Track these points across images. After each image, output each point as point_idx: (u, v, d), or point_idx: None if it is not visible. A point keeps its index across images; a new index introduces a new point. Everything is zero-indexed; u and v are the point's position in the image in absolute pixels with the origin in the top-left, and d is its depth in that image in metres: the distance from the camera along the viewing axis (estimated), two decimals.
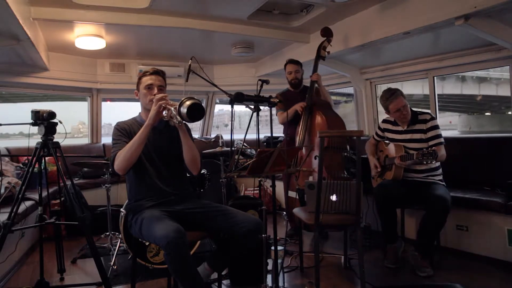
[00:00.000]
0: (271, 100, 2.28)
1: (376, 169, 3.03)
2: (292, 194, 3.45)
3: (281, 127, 3.85)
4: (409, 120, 2.87)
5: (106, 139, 5.10)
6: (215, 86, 2.68)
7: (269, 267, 2.37)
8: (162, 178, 2.04)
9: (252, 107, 2.27)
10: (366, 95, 4.43)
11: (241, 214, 1.97)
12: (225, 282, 2.57)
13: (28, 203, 3.05)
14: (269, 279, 2.39)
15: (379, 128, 3.14)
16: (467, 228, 2.94)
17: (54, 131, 2.31)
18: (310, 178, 3.23)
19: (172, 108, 1.78)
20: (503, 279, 2.56)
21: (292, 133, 3.52)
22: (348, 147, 3.23)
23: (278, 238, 2.61)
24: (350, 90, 4.74)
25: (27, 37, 2.82)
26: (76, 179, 4.27)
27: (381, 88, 4.27)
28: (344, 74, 4.38)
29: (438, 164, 2.84)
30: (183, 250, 1.68)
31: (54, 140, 2.32)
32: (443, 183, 2.82)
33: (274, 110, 3.55)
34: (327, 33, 3.42)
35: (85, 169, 4.34)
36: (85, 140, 5.28)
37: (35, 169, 2.33)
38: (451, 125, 10.79)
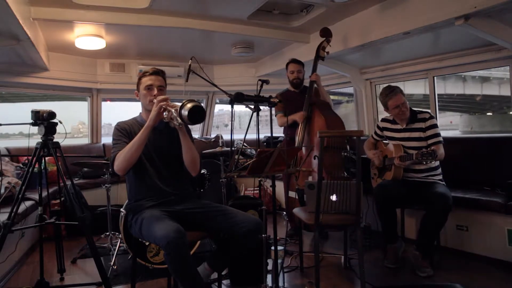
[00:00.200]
0: (271, 100, 2.28)
1: (377, 155, 3.01)
2: (292, 194, 3.45)
3: (281, 127, 3.85)
4: (408, 119, 2.87)
5: (106, 139, 5.10)
6: (215, 86, 2.68)
7: (269, 267, 2.37)
8: (162, 178, 2.04)
9: (252, 107, 2.27)
10: (366, 95, 4.43)
11: (241, 214, 1.97)
12: (225, 282, 2.57)
13: (28, 203, 3.05)
14: (269, 279, 2.38)
15: (378, 127, 3.13)
16: (467, 228, 2.94)
17: (54, 131, 2.31)
18: (310, 178, 3.24)
19: (173, 110, 1.78)
20: (503, 279, 2.56)
21: (292, 133, 3.52)
22: (348, 147, 3.23)
23: (278, 238, 2.61)
24: (352, 90, 4.74)
25: (27, 37, 2.82)
26: (76, 179, 4.27)
27: (381, 88, 4.27)
28: (344, 74, 4.38)
29: (437, 163, 2.84)
30: (183, 250, 1.68)
31: (54, 140, 2.32)
32: (443, 183, 2.82)
33: (273, 111, 3.56)
34: (326, 34, 3.42)
35: (85, 169, 4.34)
36: (85, 140, 5.28)
37: (35, 169, 2.33)
38: (452, 125, 10.77)
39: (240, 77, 5.28)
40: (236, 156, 2.18)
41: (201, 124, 5.89)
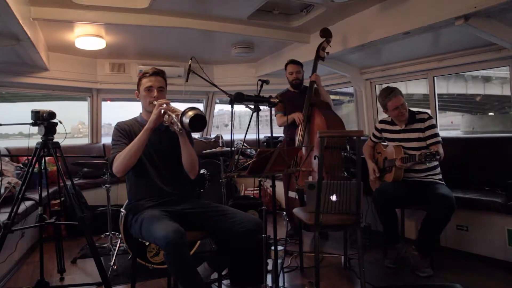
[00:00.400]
0: (271, 100, 2.28)
1: (374, 174, 3.03)
2: (292, 194, 3.45)
3: (281, 127, 3.85)
4: (407, 119, 2.87)
5: (106, 139, 5.10)
6: (215, 86, 2.68)
7: (269, 267, 2.37)
8: (162, 178, 2.04)
9: (252, 107, 2.27)
10: (366, 95, 4.43)
11: (241, 214, 1.97)
12: (225, 282, 2.57)
13: (28, 203, 3.05)
14: (269, 279, 2.39)
15: (376, 129, 3.13)
16: (467, 228, 2.94)
17: (54, 131, 2.31)
18: (310, 178, 3.24)
19: (174, 115, 1.77)
20: (503, 279, 2.56)
21: (292, 134, 3.52)
22: (348, 147, 3.23)
23: (278, 238, 2.61)
24: (353, 89, 4.74)
25: (27, 37, 2.82)
26: (76, 179, 4.27)
27: (381, 88, 4.27)
28: (344, 74, 4.38)
29: (436, 163, 2.83)
30: (182, 250, 1.68)
31: (54, 140, 2.32)
32: (443, 182, 2.82)
33: (273, 111, 3.56)
34: (326, 34, 3.42)
35: (85, 169, 4.34)
36: (85, 140, 5.28)
37: (35, 169, 2.33)
38: (453, 125, 10.75)
39: (240, 77, 5.28)
40: (236, 156, 2.18)
41: None
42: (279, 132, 4.62)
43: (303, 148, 3.41)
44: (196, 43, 4.13)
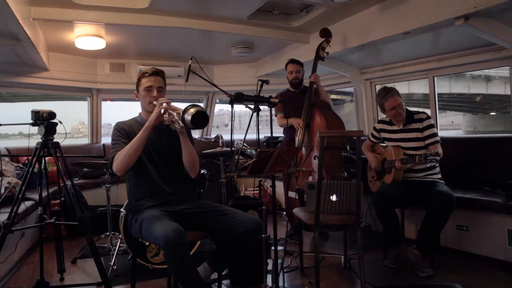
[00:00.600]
0: (271, 100, 2.28)
1: (377, 160, 3.00)
2: (292, 194, 3.45)
3: (281, 128, 3.85)
4: (405, 119, 2.88)
5: (106, 139, 5.10)
6: (215, 86, 2.68)
7: (269, 267, 2.37)
8: (162, 178, 2.04)
9: (252, 107, 2.27)
10: (366, 95, 4.43)
11: (241, 214, 1.97)
12: (225, 282, 2.57)
13: (28, 203, 3.05)
14: (269, 279, 2.39)
15: (375, 129, 3.13)
16: (467, 228, 2.94)
17: (54, 131, 2.31)
18: (310, 178, 3.24)
19: (175, 114, 1.78)
20: (503, 279, 2.56)
21: (292, 134, 3.52)
22: (348, 147, 3.23)
23: (278, 238, 2.61)
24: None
25: (27, 37, 2.82)
26: (76, 179, 4.27)
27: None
28: (344, 74, 4.38)
29: (437, 163, 2.83)
30: (182, 250, 1.68)
31: (54, 140, 2.32)
32: (442, 181, 2.82)
33: (273, 111, 3.56)
34: (326, 34, 3.42)
35: (85, 169, 4.34)
36: (85, 140, 5.28)
37: (35, 169, 2.33)
38: (454, 125, 10.71)
39: (240, 77, 5.28)
40: (236, 156, 2.18)
41: None
42: (279, 132, 4.62)
43: (303, 148, 3.41)
44: (196, 43, 4.13)
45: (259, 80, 2.53)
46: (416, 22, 2.80)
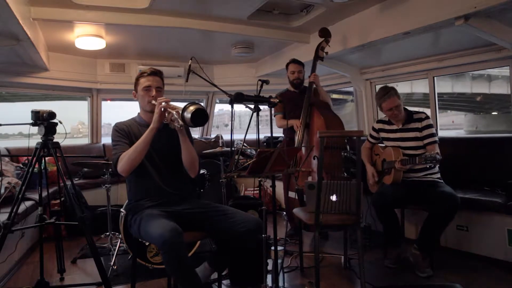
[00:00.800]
0: (271, 100, 2.27)
1: (373, 179, 3.03)
2: (292, 194, 3.45)
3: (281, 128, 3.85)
4: (404, 119, 2.88)
5: (106, 139, 5.10)
6: (215, 86, 2.68)
7: (269, 267, 2.37)
8: (162, 178, 2.04)
9: (252, 107, 2.27)
10: (366, 95, 4.43)
11: (241, 214, 1.98)
12: (225, 282, 2.57)
13: (28, 203, 3.05)
14: (269, 279, 2.39)
15: (374, 129, 3.12)
16: (467, 228, 2.94)
17: (54, 131, 2.31)
18: (309, 179, 3.23)
19: (174, 112, 1.78)
20: (503, 279, 2.56)
21: (291, 134, 3.52)
22: (348, 147, 3.23)
23: (278, 238, 2.61)
24: None
25: (27, 37, 2.82)
26: (76, 179, 4.27)
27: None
28: (344, 74, 4.38)
29: (437, 164, 2.83)
30: (179, 250, 1.68)
31: (54, 140, 2.32)
32: (442, 181, 2.82)
33: (273, 111, 3.55)
34: (325, 34, 3.42)
35: (85, 169, 4.34)
36: (85, 140, 5.28)
37: (35, 169, 2.33)
38: (455, 125, 10.68)
39: (240, 77, 5.28)
40: (236, 156, 2.18)
41: None
42: (279, 132, 4.62)
43: (303, 148, 3.41)
44: (196, 43, 4.13)
45: (259, 80, 2.53)
46: (416, 22, 2.80)
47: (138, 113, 2.17)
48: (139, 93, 2.08)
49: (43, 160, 2.40)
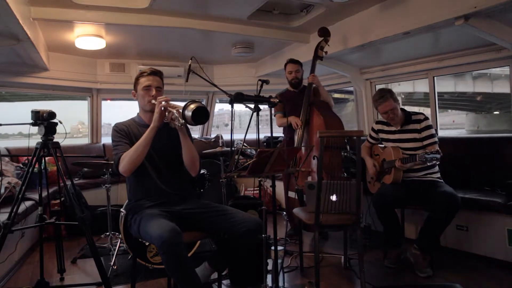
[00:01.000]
0: (271, 100, 2.28)
1: (375, 169, 3.02)
2: (292, 194, 3.45)
3: (281, 127, 3.85)
4: (403, 120, 2.88)
5: (106, 139, 5.10)
6: (215, 86, 2.68)
7: (269, 267, 2.37)
8: (162, 178, 2.04)
9: (252, 106, 2.27)
10: (366, 95, 4.43)
11: (241, 214, 1.98)
12: (225, 282, 2.57)
13: (28, 203, 3.05)
14: (269, 279, 2.38)
15: (373, 129, 3.13)
16: (467, 228, 2.94)
17: (54, 131, 2.31)
18: (309, 178, 3.23)
19: (174, 111, 1.78)
20: (503, 279, 2.56)
21: (291, 134, 3.52)
22: (348, 147, 3.23)
23: (278, 238, 2.61)
24: None
25: (27, 37, 2.82)
26: (76, 179, 4.27)
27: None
28: (344, 74, 4.38)
29: (437, 162, 2.83)
30: (178, 250, 1.67)
31: (54, 140, 2.32)
32: (442, 181, 2.82)
33: (273, 111, 3.55)
34: (324, 33, 3.42)
35: (85, 169, 4.34)
36: (84, 140, 5.28)
37: (35, 169, 2.33)
38: (456, 124, 10.66)
39: (240, 77, 5.28)
40: (236, 156, 2.18)
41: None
42: (279, 132, 4.62)
43: (303, 148, 3.41)
44: (196, 43, 4.13)
45: (259, 80, 2.53)
46: (416, 22, 2.80)
47: (137, 113, 2.17)
48: (139, 93, 2.08)
49: (43, 160, 2.40)
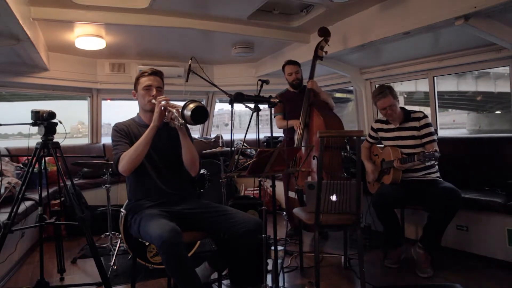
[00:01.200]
0: (271, 100, 2.28)
1: (373, 175, 3.03)
2: (292, 194, 3.45)
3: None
4: (402, 118, 2.88)
5: (106, 139, 5.10)
6: (215, 86, 2.68)
7: (269, 267, 2.37)
8: (162, 178, 2.04)
9: (252, 106, 2.27)
10: (366, 95, 4.43)
11: (241, 214, 1.98)
12: (225, 282, 2.57)
13: (28, 203, 3.05)
14: (269, 279, 2.38)
15: (372, 129, 3.13)
16: (467, 228, 2.94)
17: (54, 131, 2.31)
18: (309, 179, 3.23)
19: (174, 110, 1.78)
20: (503, 279, 2.56)
21: (291, 134, 3.52)
22: (348, 147, 3.23)
23: (278, 238, 2.61)
24: None
25: (27, 37, 2.82)
26: (76, 179, 4.27)
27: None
28: (344, 74, 4.38)
29: (436, 162, 2.83)
30: (178, 250, 1.67)
31: (54, 140, 2.32)
32: (441, 180, 2.82)
33: (273, 111, 3.54)
34: (324, 33, 3.42)
35: (85, 169, 4.34)
36: (84, 140, 5.28)
37: (35, 169, 2.33)
38: (458, 124, 10.63)
39: (240, 77, 5.28)
40: (236, 156, 2.18)
41: (201, 124, 5.87)
42: (279, 132, 4.62)
43: (303, 148, 3.41)
44: (196, 43, 4.13)
45: (259, 80, 2.53)
46: (416, 22, 2.80)
47: (137, 113, 2.17)
48: (139, 92, 2.08)
49: (43, 160, 2.40)
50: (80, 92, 4.91)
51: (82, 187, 4.13)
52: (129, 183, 2.10)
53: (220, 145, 3.66)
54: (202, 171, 3.17)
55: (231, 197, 3.75)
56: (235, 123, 4.65)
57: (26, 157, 3.93)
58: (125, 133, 2.01)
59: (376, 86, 4.41)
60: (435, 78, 3.81)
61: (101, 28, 3.53)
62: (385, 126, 3.01)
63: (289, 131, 3.60)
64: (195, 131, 5.93)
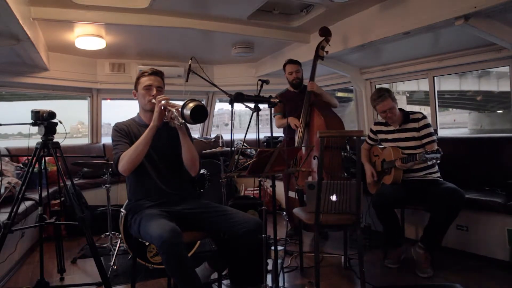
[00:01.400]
0: (271, 100, 2.27)
1: (372, 178, 3.03)
2: (292, 194, 3.45)
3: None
4: (401, 120, 2.88)
5: (106, 139, 5.10)
6: (215, 86, 2.68)
7: (269, 267, 2.37)
8: (162, 178, 2.04)
9: (252, 106, 2.27)
10: (366, 95, 4.43)
11: (241, 214, 1.98)
12: (225, 282, 2.57)
13: (28, 203, 3.05)
14: (269, 279, 2.38)
15: (372, 131, 3.13)
16: (467, 228, 2.94)
17: (54, 131, 2.31)
18: (309, 178, 3.23)
19: (174, 110, 1.79)
20: (503, 279, 2.56)
21: (291, 133, 3.52)
22: (348, 147, 3.23)
23: (278, 238, 2.61)
24: None
25: (27, 37, 2.82)
26: (76, 179, 4.27)
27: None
28: (344, 74, 4.38)
29: (438, 160, 2.83)
30: (178, 250, 1.68)
31: (54, 140, 2.32)
32: (442, 179, 2.81)
33: (272, 111, 3.54)
34: (325, 33, 3.42)
35: (85, 169, 4.34)
36: (84, 140, 5.28)
37: (35, 169, 2.33)
38: (458, 123, 10.61)
39: (240, 77, 5.28)
40: (236, 156, 2.18)
41: (201, 124, 5.88)
42: (279, 132, 4.62)
43: (303, 148, 3.41)
44: (196, 43, 4.13)
45: (259, 80, 2.53)
46: (416, 22, 2.80)
47: (138, 113, 2.17)
48: (139, 92, 2.08)
49: (43, 160, 2.40)
50: (80, 92, 4.91)
51: (82, 187, 4.13)
52: (129, 183, 2.10)
53: (220, 145, 3.66)
54: (202, 171, 3.17)
55: (231, 197, 3.74)
56: (235, 123, 4.64)
57: (26, 157, 3.93)
58: (125, 133, 2.01)
59: (376, 86, 4.41)
60: (435, 78, 3.81)
61: (101, 28, 3.53)
62: (384, 128, 3.01)
63: (289, 131, 3.60)
64: (195, 131, 5.93)
